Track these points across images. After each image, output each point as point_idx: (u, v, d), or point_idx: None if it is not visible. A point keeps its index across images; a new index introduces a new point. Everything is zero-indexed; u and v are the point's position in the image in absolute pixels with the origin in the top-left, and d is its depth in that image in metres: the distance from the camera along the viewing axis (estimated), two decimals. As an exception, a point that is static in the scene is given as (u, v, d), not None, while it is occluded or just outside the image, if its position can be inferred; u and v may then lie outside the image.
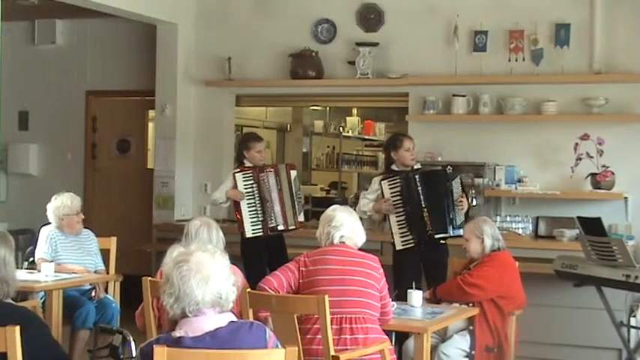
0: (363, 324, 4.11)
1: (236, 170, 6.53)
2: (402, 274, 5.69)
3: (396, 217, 5.92)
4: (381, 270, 4.27)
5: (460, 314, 4.85)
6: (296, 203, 6.51)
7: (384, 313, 4.27)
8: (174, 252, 2.86)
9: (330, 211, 4.39)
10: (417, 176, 5.89)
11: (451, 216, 5.83)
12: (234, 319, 2.79)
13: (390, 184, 5.95)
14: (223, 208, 7.86)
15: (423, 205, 5.86)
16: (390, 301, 4.31)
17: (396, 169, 6.04)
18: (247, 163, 6.49)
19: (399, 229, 5.91)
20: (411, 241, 5.88)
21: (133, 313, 4.61)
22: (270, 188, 6.42)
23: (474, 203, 6.02)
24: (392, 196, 5.92)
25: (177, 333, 2.72)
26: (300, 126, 10.89)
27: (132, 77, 8.73)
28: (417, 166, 6.09)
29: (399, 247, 5.91)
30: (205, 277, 2.72)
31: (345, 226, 4.29)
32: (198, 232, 4.57)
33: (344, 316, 4.09)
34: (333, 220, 4.30)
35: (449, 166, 5.95)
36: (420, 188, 5.86)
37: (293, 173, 6.61)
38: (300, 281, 4.18)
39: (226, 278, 2.78)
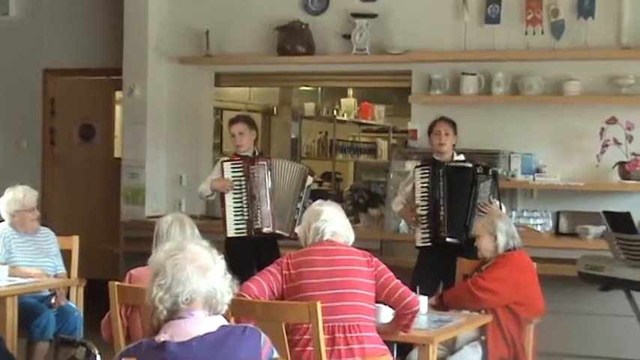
0: (358, 332, 4.12)
1: (225, 159, 6.51)
2: (419, 275, 5.74)
3: (421, 210, 6.02)
4: (381, 266, 4.26)
5: (470, 323, 4.86)
6: (298, 212, 6.27)
7: (405, 307, 4.22)
8: (165, 246, 2.87)
9: (316, 205, 4.44)
10: (441, 170, 5.95)
11: (467, 223, 5.87)
12: (226, 322, 2.81)
13: (421, 174, 6.04)
14: (201, 203, 7.88)
15: (441, 204, 5.93)
16: (397, 284, 4.22)
17: (437, 158, 6.10)
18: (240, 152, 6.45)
19: (422, 224, 6.03)
20: (428, 240, 6.00)
21: (98, 322, 4.61)
22: (259, 184, 6.30)
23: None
24: (421, 187, 6.02)
25: (161, 337, 2.71)
26: (289, 109, 10.89)
27: (96, 53, 8.71)
28: (459, 157, 6.09)
29: (417, 243, 6.06)
30: (202, 267, 2.74)
31: (335, 220, 4.34)
32: (170, 230, 4.58)
33: (336, 324, 4.10)
34: (322, 214, 4.33)
35: (480, 166, 5.91)
36: (442, 184, 5.94)
37: (309, 180, 6.51)
38: (284, 286, 4.19)
39: (223, 276, 2.80)
